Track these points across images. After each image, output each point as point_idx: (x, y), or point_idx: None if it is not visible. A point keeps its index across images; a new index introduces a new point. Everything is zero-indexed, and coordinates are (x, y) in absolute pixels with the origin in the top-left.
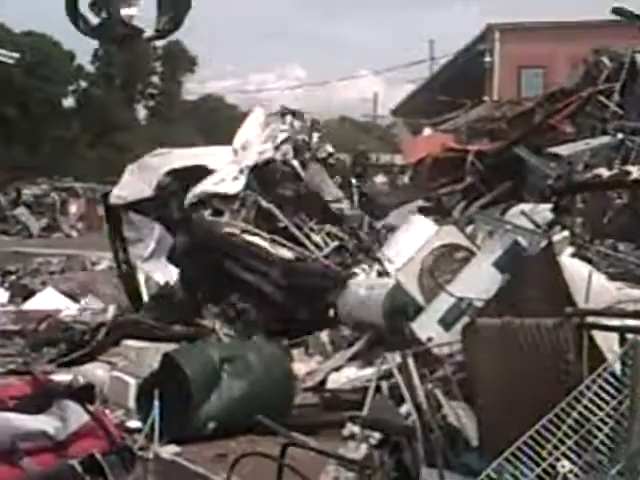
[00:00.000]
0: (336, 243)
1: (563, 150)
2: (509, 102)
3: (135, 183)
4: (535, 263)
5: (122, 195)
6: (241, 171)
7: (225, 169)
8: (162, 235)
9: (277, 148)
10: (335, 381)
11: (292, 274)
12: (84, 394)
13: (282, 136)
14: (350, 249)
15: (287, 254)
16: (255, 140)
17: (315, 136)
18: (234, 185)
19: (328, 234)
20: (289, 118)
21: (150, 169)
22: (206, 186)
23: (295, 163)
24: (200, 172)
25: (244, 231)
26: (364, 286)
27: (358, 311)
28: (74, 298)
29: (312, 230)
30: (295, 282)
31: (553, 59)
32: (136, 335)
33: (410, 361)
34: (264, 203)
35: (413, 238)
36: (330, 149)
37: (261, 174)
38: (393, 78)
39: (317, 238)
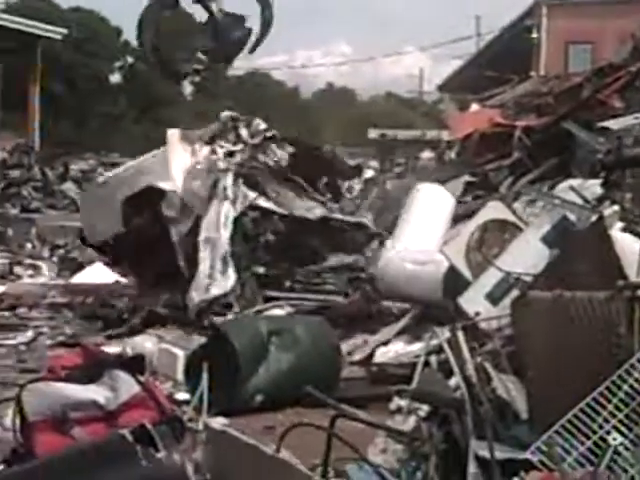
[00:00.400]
0: None
1: (612, 124)
2: (556, 77)
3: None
4: (586, 237)
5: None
6: (224, 260)
7: (202, 266)
8: None
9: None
10: (382, 355)
11: None
12: (135, 365)
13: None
14: None
15: None
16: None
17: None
18: (225, 282)
19: None
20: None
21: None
22: (199, 294)
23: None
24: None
25: None
26: (409, 260)
27: (405, 286)
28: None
29: None
30: None
31: (601, 34)
32: None
33: (460, 335)
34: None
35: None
36: (289, 150)
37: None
38: (439, 54)
39: None
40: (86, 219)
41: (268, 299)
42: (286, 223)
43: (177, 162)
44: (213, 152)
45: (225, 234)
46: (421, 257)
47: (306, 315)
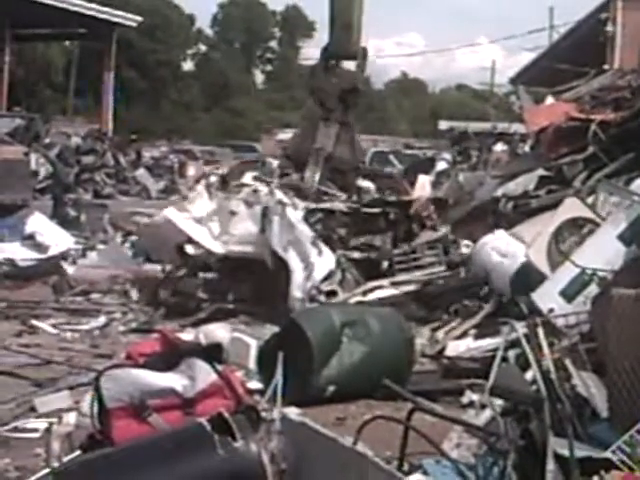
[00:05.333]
0: None
1: None
2: (633, 71)
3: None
4: None
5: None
6: (314, 244)
7: (293, 267)
8: None
9: None
10: (454, 349)
11: None
12: (213, 353)
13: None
14: None
15: None
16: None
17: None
18: (325, 260)
19: None
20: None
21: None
22: (301, 288)
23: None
24: None
25: None
26: (497, 251)
27: (488, 275)
28: None
29: None
30: None
31: None
32: None
33: (540, 330)
34: None
35: None
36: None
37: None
38: (511, 46)
39: None
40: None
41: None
42: (351, 217)
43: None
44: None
45: (302, 226)
46: (504, 249)
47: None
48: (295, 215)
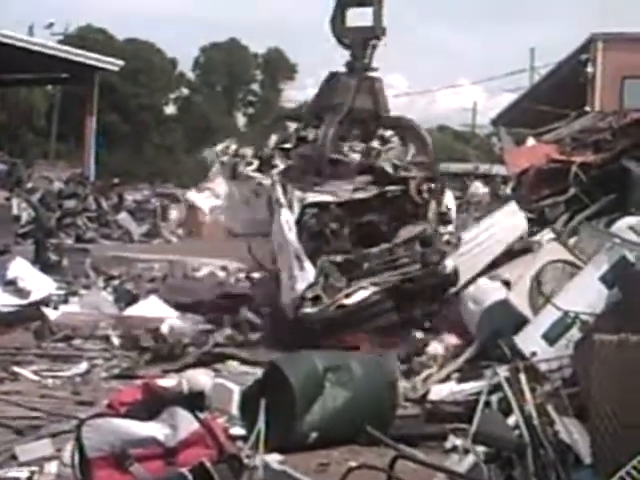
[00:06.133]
0: None
1: None
2: (614, 113)
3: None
4: None
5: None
6: (297, 258)
7: (282, 272)
8: None
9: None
10: (437, 393)
11: None
12: (195, 401)
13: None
14: None
15: None
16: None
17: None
18: (305, 275)
19: None
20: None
21: None
22: (287, 295)
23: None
24: None
25: None
26: (476, 300)
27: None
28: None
29: None
30: None
31: None
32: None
33: (522, 375)
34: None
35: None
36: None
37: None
38: (492, 87)
39: None
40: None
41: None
42: (344, 209)
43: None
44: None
45: (291, 235)
46: (482, 297)
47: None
48: (289, 220)
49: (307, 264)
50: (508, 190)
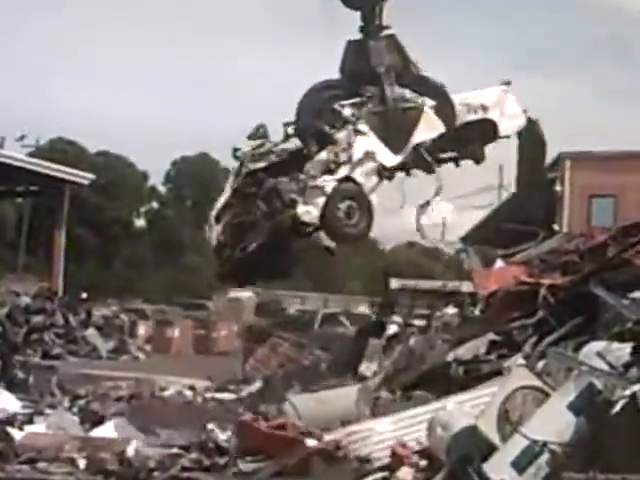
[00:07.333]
0: None
1: None
2: (581, 235)
3: None
4: (620, 416)
5: None
6: None
7: None
8: None
9: None
10: None
11: None
12: None
13: None
14: None
15: None
16: None
17: None
18: None
19: None
20: None
21: None
22: None
23: None
24: None
25: None
26: (441, 424)
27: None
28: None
29: None
30: None
31: (624, 188)
32: None
33: None
34: None
35: None
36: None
37: None
38: (461, 204)
39: None
40: None
41: None
42: None
43: None
44: None
45: None
46: (449, 423)
47: None
48: None
49: None
50: (477, 312)
